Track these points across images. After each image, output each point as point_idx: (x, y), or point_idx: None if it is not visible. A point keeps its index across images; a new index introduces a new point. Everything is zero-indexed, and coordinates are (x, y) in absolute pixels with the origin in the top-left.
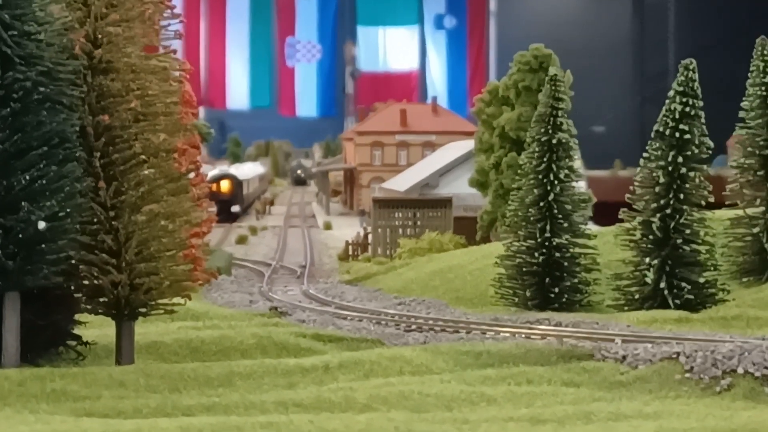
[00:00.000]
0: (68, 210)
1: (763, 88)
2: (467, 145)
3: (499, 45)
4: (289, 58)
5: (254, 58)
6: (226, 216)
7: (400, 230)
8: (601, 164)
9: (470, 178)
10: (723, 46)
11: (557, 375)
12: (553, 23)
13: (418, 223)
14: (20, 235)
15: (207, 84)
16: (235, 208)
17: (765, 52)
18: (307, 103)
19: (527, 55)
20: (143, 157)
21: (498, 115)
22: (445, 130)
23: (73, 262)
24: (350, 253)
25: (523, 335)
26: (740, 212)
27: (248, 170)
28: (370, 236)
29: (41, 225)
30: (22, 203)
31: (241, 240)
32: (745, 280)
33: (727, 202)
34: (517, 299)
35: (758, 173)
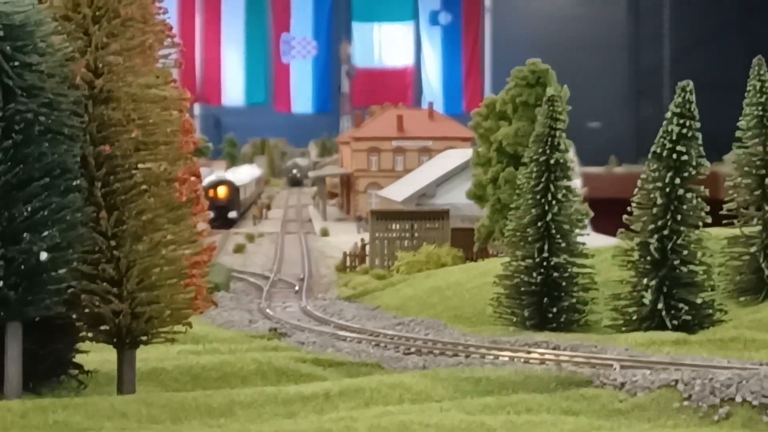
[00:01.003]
0: (70, 240)
1: (760, 108)
2: (464, 154)
3: (494, 41)
4: (285, 55)
5: (249, 54)
6: (223, 222)
7: (398, 242)
8: (597, 160)
9: (468, 191)
10: (717, 40)
11: (556, 403)
12: (548, 18)
13: (416, 234)
14: (22, 266)
15: (202, 80)
16: (232, 214)
17: (762, 72)
18: (302, 99)
19: (524, 71)
20: (144, 186)
21: (495, 130)
22: (442, 135)
23: (74, 291)
24: (348, 264)
25: (522, 360)
26: (737, 231)
27: (244, 175)
28: (367, 247)
29: (43, 256)
30: (24, 234)
31: (239, 249)
32: (742, 299)
33: (724, 204)
34: (515, 319)
35: (755, 192)
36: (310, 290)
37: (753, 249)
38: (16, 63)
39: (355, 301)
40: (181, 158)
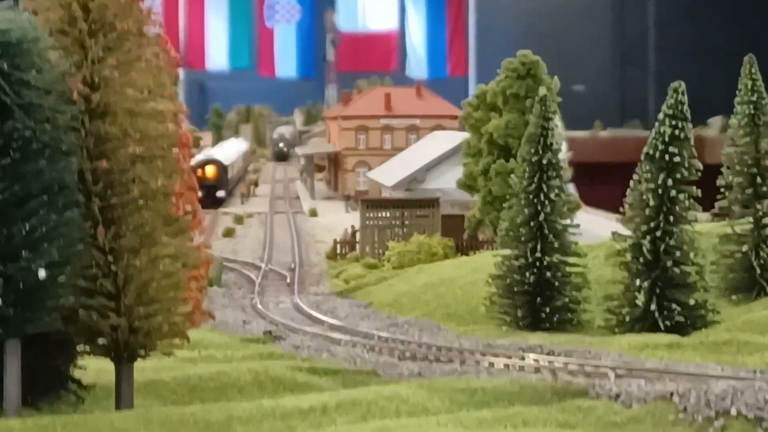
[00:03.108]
0: (68, 257)
1: (751, 107)
2: (452, 136)
3: (478, 4)
4: (269, 19)
5: (233, 18)
6: (211, 201)
7: (388, 230)
8: (582, 124)
9: (458, 181)
10: (703, 6)
11: (552, 416)
12: None
13: (406, 222)
14: (21, 284)
15: (186, 44)
16: (221, 194)
17: (753, 71)
18: (286, 63)
19: (515, 62)
20: (141, 201)
21: (486, 120)
22: (429, 113)
23: (72, 305)
24: (338, 251)
25: (517, 367)
26: (729, 229)
27: (231, 151)
28: (357, 234)
29: (42, 274)
30: (23, 252)
31: (228, 233)
32: (734, 297)
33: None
34: (508, 318)
35: (747, 191)
36: (301, 282)
37: (745, 248)
38: (14, 80)
39: (347, 297)
40: (177, 172)
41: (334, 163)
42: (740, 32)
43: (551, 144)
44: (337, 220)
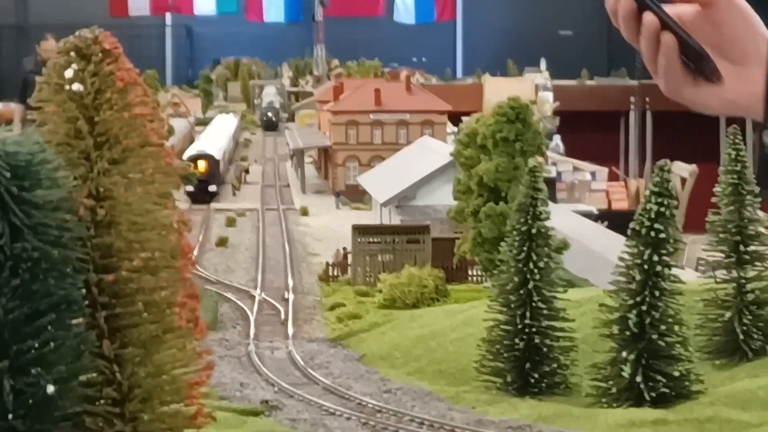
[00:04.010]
0: (75, 371)
1: (735, 176)
2: (442, 148)
3: None
4: None
5: None
6: (203, 196)
7: (380, 256)
8: (569, 72)
9: (449, 212)
10: None
11: None
12: None
13: (397, 249)
14: (30, 399)
15: None
16: (213, 188)
17: (737, 141)
18: (274, 8)
19: (505, 107)
20: (146, 313)
21: (476, 159)
22: (418, 108)
23: (77, 412)
24: (330, 274)
25: None
26: (712, 294)
27: (222, 138)
28: (349, 257)
29: (50, 389)
30: (32, 368)
31: (221, 242)
32: (717, 362)
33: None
34: (499, 381)
35: (729, 257)
36: (295, 319)
37: (728, 314)
38: (23, 201)
39: (340, 345)
40: (180, 282)
41: (324, 156)
42: None
43: (540, 213)
44: (329, 221)
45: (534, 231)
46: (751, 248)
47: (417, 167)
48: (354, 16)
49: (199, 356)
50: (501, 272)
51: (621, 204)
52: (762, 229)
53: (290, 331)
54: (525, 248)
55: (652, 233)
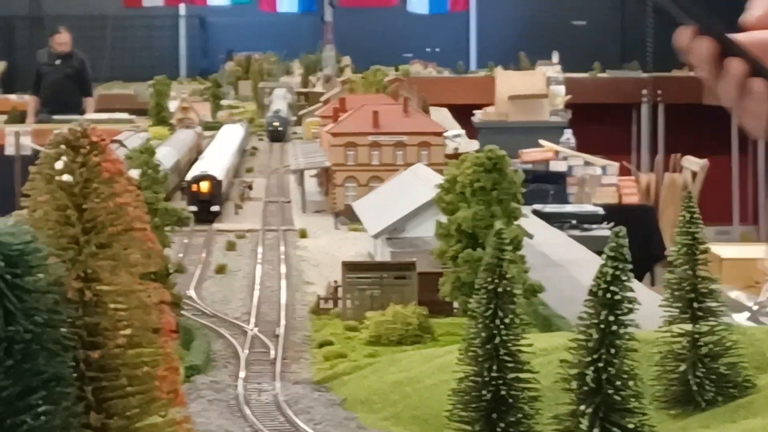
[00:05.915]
0: None
1: (689, 237)
2: (433, 178)
3: None
4: None
5: None
6: (206, 215)
7: (368, 291)
8: (582, 65)
9: (431, 252)
10: None
11: None
12: None
13: (385, 284)
14: None
15: None
16: (215, 208)
17: (691, 205)
18: None
19: (482, 157)
20: (129, 387)
21: (456, 205)
22: (415, 131)
23: None
24: (321, 307)
25: None
26: (668, 347)
27: (226, 156)
28: (339, 290)
29: None
30: None
31: (220, 270)
32: (672, 412)
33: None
34: (468, 430)
35: (684, 314)
36: (284, 358)
37: (682, 368)
38: (16, 288)
39: (324, 389)
40: (161, 356)
41: (325, 176)
42: None
43: (506, 273)
44: (326, 244)
45: (500, 290)
46: (705, 305)
47: (407, 199)
48: (367, 6)
49: (179, 425)
50: (469, 327)
51: (632, 198)
52: (714, 287)
53: (278, 371)
54: (492, 306)
55: (608, 295)
